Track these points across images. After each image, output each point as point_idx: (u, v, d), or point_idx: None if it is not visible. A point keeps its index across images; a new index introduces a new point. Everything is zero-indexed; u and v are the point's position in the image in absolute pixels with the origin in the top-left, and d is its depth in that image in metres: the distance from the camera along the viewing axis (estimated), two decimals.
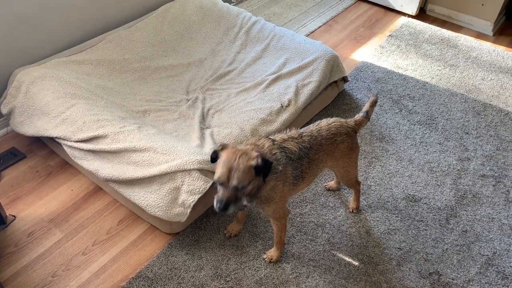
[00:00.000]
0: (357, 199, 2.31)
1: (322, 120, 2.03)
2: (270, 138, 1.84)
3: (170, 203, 2.03)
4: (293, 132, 1.92)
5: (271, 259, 2.07)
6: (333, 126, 1.99)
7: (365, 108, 2.13)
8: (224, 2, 3.32)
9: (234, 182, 1.60)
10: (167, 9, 3.08)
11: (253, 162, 1.62)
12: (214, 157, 1.70)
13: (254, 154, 1.64)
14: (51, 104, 2.31)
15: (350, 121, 2.08)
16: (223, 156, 1.65)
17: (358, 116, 2.10)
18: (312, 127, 1.99)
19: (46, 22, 2.57)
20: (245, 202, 1.75)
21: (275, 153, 1.77)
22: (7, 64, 2.48)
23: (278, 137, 1.88)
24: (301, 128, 2.00)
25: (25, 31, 2.49)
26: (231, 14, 3.17)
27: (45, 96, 2.33)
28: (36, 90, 2.36)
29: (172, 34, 2.99)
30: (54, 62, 2.56)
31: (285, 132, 1.94)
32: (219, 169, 1.63)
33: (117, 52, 2.75)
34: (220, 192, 1.64)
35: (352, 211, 2.33)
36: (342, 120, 2.06)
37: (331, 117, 2.09)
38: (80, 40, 2.78)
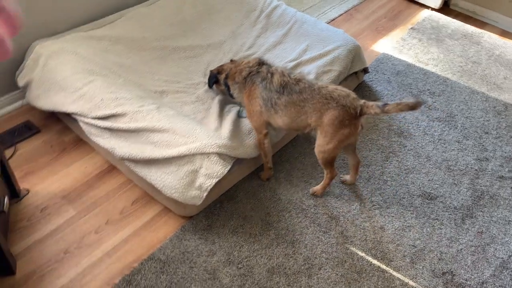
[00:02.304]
0: (325, 184, 2.24)
1: (338, 86, 2.06)
2: (266, 64, 2.17)
3: (187, 186, 2.01)
4: (294, 75, 2.08)
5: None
6: (337, 92, 1.99)
7: (391, 104, 1.93)
8: None
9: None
10: None
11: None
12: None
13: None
14: (69, 79, 2.27)
15: (361, 101, 2.00)
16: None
17: (372, 103, 1.98)
18: (320, 82, 2.07)
19: None
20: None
21: (246, 69, 2.16)
22: (26, 36, 2.44)
23: (274, 68, 2.13)
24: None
25: (45, 3, 2.45)
26: None
27: (63, 71, 2.30)
28: (54, 64, 2.33)
29: (193, 14, 2.94)
30: (72, 36, 2.51)
31: (286, 70, 2.11)
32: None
33: (137, 29, 2.70)
34: None
35: (312, 194, 2.28)
36: (353, 94, 2.00)
37: None
38: (99, 15, 2.73)
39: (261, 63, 2.19)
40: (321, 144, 2.07)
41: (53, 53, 2.35)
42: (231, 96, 2.31)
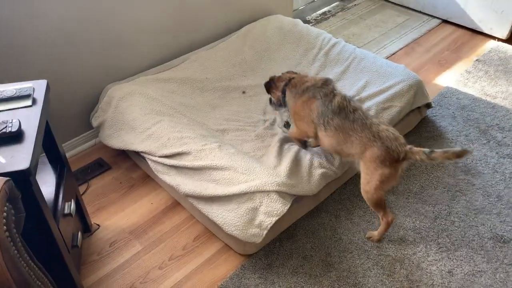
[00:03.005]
0: (381, 231, 2.18)
1: (391, 127, 2.07)
2: (332, 85, 2.21)
3: (247, 223, 2.04)
4: (352, 103, 2.13)
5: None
6: (387, 132, 2.00)
7: (438, 151, 1.92)
8: (304, 23, 3.32)
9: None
10: (249, 30, 3.14)
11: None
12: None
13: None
14: (138, 119, 2.42)
15: (408, 146, 1.99)
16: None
17: (419, 149, 1.97)
18: (376, 119, 2.09)
19: (138, 42, 2.72)
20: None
21: (311, 82, 2.24)
22: (100, 80, 2.65)
23: (339, 91, 2.21)
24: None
25: (118, 49, 2.65)
26: (310, 35, 3.17)
27: (133, 112, 2.46)
28: (125, 105, 2.49)
29: (252, 54, 3.04)
30: (142, 79, 2.69)
31: (348, 97, 2.17)
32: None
33: (200, 71, 2.84)
34: None
35: (368, 238, 2.23)
36: (402, 140, 2.01)
37: (413, 143, 2.03)
38: (166, 59, 2.91)
39: (328, 83, 2.23)
40: (363, 183, 2.08)
41: (124, 96, 2.52)
42: (283, 104, 2.36)
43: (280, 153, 2.32)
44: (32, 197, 1.49)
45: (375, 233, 2.21)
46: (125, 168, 2.63)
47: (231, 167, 2.13)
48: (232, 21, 3.21)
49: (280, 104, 2.40)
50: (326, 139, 2.15)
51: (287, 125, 2.53)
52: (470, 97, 3.17)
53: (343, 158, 2.27)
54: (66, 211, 1.86)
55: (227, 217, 2.07)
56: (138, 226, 2.31)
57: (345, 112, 2.10)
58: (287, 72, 2.44)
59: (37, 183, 1.51)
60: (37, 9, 2.21)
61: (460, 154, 1.92)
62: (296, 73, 2.43)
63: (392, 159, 1.97)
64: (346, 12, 4.25)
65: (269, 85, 2.44)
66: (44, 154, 1.97)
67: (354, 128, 2.05)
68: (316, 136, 2.24)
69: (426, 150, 1.95)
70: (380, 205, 2.10)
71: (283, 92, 2.33)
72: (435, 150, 1.93)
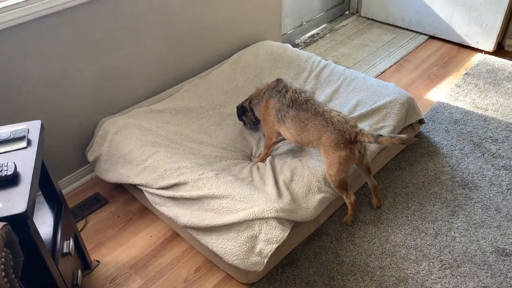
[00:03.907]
0: (350, 213, 2.37)
1: (341, 112, 2.25)
2: (283, 83, 2.43)
3: (247, 252, 2.03)
4: (304, 94, 2.33)
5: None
6: (338, 117, 2.18)
7: (385, 136, 2.12)
8: (293, 47, 3.37)
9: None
10: (240, 57, 3.18)
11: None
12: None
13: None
14: (134, 152, 2.42)
15: (358, 128, 2.16)
16: None
17: (368, 131, 2.14)
18: (327, 107, 2.29)
19: (130, 75, 2.75)
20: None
21: (270, 90, 2.43)
22: (94, 114, 2.66)
23: (290, 86, 2.39)
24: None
25: (111, 83, 2.67)
26: (300, 59, 3.21)
27: (128, 145, 2.46)
28: (120, 139, 2.50)
29: (244, 80, 3.08)
30: (136, 111, 2.71)
31: (299, 89, 2.36)
32: None
33: (194, 100, 2.86)
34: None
35: (344, 223, 2.42)
36: (352, 122, 2.18)
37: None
38: (159, 90, 2.93)
39: (280, 81, 2.45)
40: (326, 167, 2.24)
41: (119, 129, 2.53)
42: (256, 118, 2.60)
43: (276, 178, 2.33)
44: (30, 240, 1.48)
45: (347, 217, 2.40)
46: (122, 202, 2.62)
47: (229, 195, 2.13)
48: (223, 48, 3.25)
49: (254, 121, 2.64)
50: (287, 132, 2.34)
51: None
52: (462, 110, 3.20)
53: (305, 148, 2.45)
54: (65, 250, 1.84)
55: (227, 247, 2.06)
56: (138, 260, 2.29)
57: (298, 103, 2.29)
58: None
59: (35, 225, 1.50)
60: (27, 47, 2.23)
61: (405, 141, 2.14)
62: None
63: (345, 141, 2.14)
64: (334, 33, 4.32)
65: (240, 112, 2.65)
66: (40, 192, 1.96)
67: (308, 117, 2.24)
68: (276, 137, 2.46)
69: (375, 133, 2.14)
70: (343, 186, 2.25)
71: (251, 110, 2.58)
72: (383, 134, 2.14)
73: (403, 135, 2.15)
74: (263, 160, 2.49)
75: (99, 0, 2.40)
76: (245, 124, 2.72)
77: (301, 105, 2.29)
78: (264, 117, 2.47)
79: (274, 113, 2.38)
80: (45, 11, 2.19)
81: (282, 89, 2.38)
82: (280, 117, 2.34)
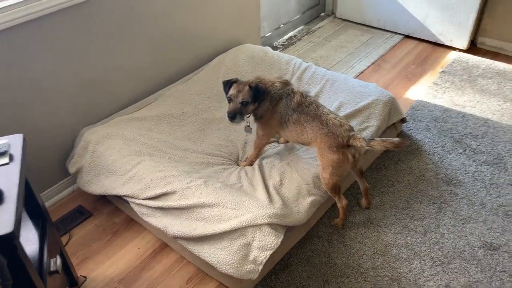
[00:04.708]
0: (340, 217, 2.38)
1: (339, 116, 2.25)
2: (287, 80, 2.38)
3: (241, 260, 1.99)
4: (309, 98, 2.30)
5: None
6: (334, 120, 2.19)
7: (377, 140, 2.14)
8: (273, 49, 3.36)
9: (239, 99, 2.24)
10: (220, 61, 3.14)
11: (248, 86, 2.26)
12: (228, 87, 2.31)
13: (250, 82, 2.30)
14: (118, 162, 2.35)
15: (351, 132, 2.16)
16: (234, 85, 2.29)
17: (361, 136, 2.14)
18: (327, 109, 2.28)
19: (110, 83, 2.67)
20: (247, 123, 2.46)
21: (276, 86, 2.31)
22: (74, 125, 2.57)
23: (296, 88, 2.35)
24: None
25: (91, 92, 2.59)
26: (282, 62, 3.20)
27: (111, 155, 2.38)
28: (103, 149, 2.42)
29: None
30: (117, 120, 2.63)
31: (305, 93, 2.33)
32: (231, 90, 2.28)
33: (176, 106, 2.80)
34: (231, 106, 2.27)
35: (334, 225, 2.43)
36: (347, 126, 2.18)
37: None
38: (140, 96, 2.86)
39: (287, 83, 2.38)
40: (321, 170, 2.23)
41: (100, 139, 2.45)
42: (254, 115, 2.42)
43: (267, 183, 2.30)
44: (17, 261, 1.40)
45: (338, 220, 2.41)
46: (107, 214, 2.54)
47: (219, 203, 2.09)
48: (203, 53, 3.21)
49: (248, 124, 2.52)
50: (288, 133, 2.35)
51: (248, 128, 2.53)
52: (441, 108, 3.26)
53: (305, 147, 2.43)
54: (52, 268, 1.75)
55: (220, 256, 2.01)
56: (127, 274, 2.22)
57: (302, 107, 2.27)
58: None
59: (22, 246, 1.42)
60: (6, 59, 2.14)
61: (398, 145, 2.10)
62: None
63: (338, 144, 2.14)
64: (312, 35, 4.34)
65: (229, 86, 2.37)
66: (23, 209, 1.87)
67: (307, 119, 2.25)
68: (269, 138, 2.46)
69: (366, 138, 2.17)
70: (335, 190, 2.25)
71: (259, 103, 2.30)
72: (375, 139, 2.19)
73: (395, 139, 2.12)
74: (251, 163, 2.46)
75: (77, 7, 2.32)
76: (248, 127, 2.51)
77: (304, 108, 2.27)
78: (267, 119, 2.36)
79: (279, 117, 2.32)
80: (18, 19, 2.09)
81: (290, 93, 2.32)
82: (284, 120, 2.31)
